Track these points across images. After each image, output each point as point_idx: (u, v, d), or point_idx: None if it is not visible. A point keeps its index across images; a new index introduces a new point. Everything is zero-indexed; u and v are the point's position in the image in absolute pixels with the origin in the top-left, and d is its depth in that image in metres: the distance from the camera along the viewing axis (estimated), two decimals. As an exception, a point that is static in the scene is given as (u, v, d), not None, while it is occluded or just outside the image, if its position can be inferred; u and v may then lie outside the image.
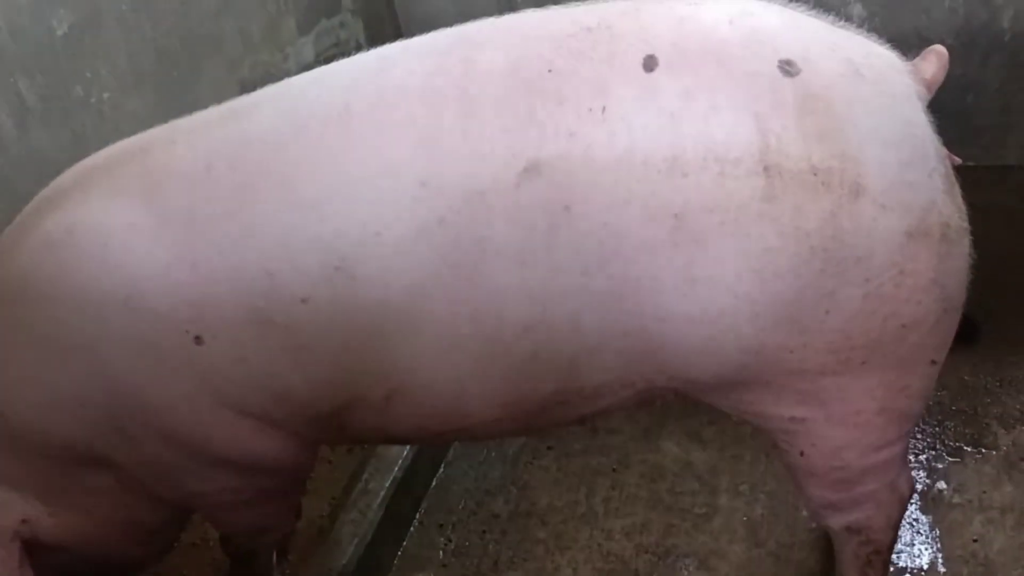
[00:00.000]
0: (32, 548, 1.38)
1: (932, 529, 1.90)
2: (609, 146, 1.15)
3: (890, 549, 1.51)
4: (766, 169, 1.13)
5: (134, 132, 1.60)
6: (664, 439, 2.19)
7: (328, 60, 2.20)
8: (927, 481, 2.01)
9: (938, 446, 2.09)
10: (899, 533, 1.83)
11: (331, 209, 1.19)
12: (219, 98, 1.82)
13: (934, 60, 1.25)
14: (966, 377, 2.24)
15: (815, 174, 1.14)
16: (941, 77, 1.26)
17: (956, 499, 1.97)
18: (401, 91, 1.21)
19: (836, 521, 1.45)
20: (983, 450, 2.08)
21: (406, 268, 1.19)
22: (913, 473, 2.01)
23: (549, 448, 2.21)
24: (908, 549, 1.86)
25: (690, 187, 1.14)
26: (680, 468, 2.12)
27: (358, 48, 2.34)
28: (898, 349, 1.25)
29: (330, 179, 1.20)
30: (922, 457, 2.06)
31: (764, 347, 1.23)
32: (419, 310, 1.21)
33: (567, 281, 1.19)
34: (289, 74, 2.06)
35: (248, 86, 1.92)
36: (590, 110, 1.15)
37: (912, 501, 1.94)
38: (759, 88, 1.14)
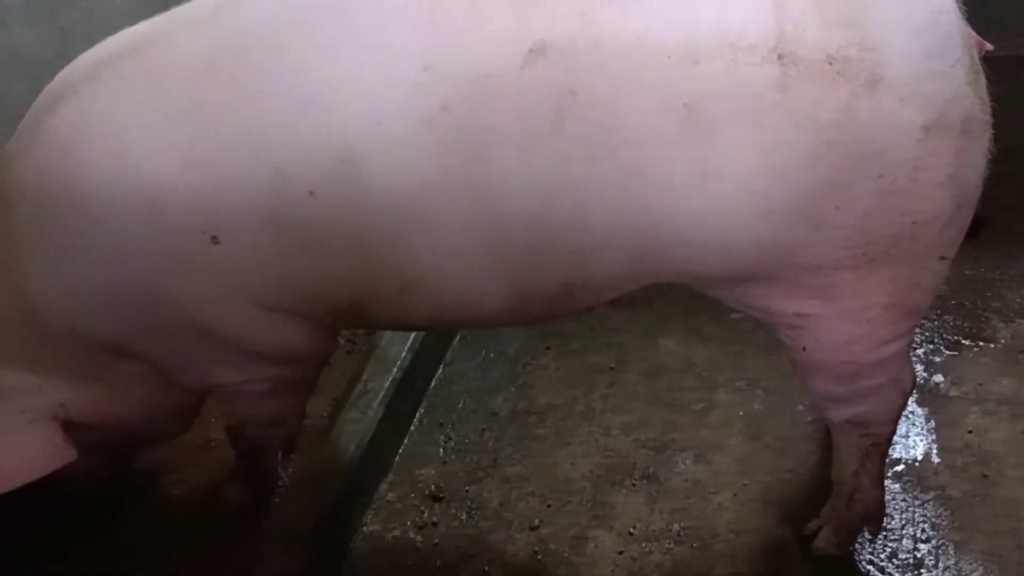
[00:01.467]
0: (67, 428, 1.44)
1: (928, 421, 1.92)
2: (621, 29, 1.12)
3: (889, 441, 1.53)
4: (780, 57, 1.10)
5: (119, 27, 1.55)
6: (664, 336, 2.20)
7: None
8: (924, 374, 2.02)
9: (936, 339, 2.09)
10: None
11: (333, 100, 1.18)
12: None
13: None
14: (967, 271, 2.23)
15: (831, 63, 1.10)
16: None
17: (953, 391, 1.98)
18: None
19: (838, 413, 1.46)
20: (982, 343, 2.09)
21: (410, 159, 1.17)
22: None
23: (548, 348, 2.22)
24: (904, 440, 1.88)
25: (702, 75, 1.11)
26: (680, 365, 2.13)
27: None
28: (912, 245, 1.23)
29: (330, 69, 1.18)
30: (920, 351, 2.07)
31: (777, 243, 1.21)
32: (426, 202, 1.20)
33: (573, 170, 1.17)
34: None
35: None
36: None
37: (909, 394, 1.96)
38: None
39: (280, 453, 1.80)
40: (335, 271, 1.29)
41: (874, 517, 1.59)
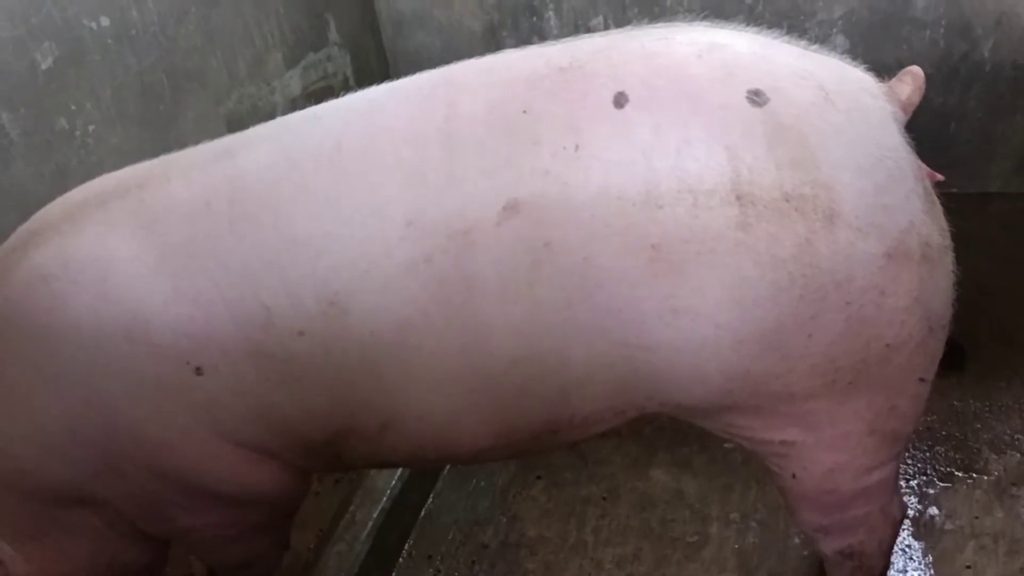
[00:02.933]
0: None
1: (925, 555, 1.89)
2: (584, 182, 1.16)
3: (884, 574, 1.50)
4: (739, 198, 1.14)
5: (118, 166, 1.61)
6: (654, 468, 2.18)
7: (315, 94, 2.22)
8: (919, 507, 2.00)
9: (929, 471, 2.08)
10: (892, 559, 1.82)
11: (324, 246, 1.21)
12: (205, 132, 1.84)
13: (910, 81, 1.27)
14: (955, 402, 2.24)
15: (788, 201, 1.14)
16: (917, 98, 1.27)
17: (948, 525, 1.96)
18: (388, 133, 1.23)
19: (829, 546, 1.44)
20: (974, 475, 2.07)
21: (395, 304, 1.20)
22: (905, 499, 2.00)
23: (538, 478, 2.20)
24: (902, 575, 1.84)
25: (666, 218, 1.15)
26: (671, 497, 2.10)
27: (345, 82, 2.36)
28: (884, 370, 1.25)
29: (322, 217, 1.22)
30: (913, 483, 2.05)
31: (749, 373, 1.23)
32: (410, 345, 1.22)
33: (552, 315, 1.20)
34: (276, 107, 2.08)
35: (234, 120, 1.94)
36: (564, 148, 1.16)
37: (904, 527, 1.93)
38: (729, 120, 1.15)
39: None
40: (316, 407, 1.29)
41: None
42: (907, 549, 1.90)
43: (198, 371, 1.25)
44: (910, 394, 1.30)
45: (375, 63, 2.50)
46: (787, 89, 1.17)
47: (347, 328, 1.22)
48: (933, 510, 1.99)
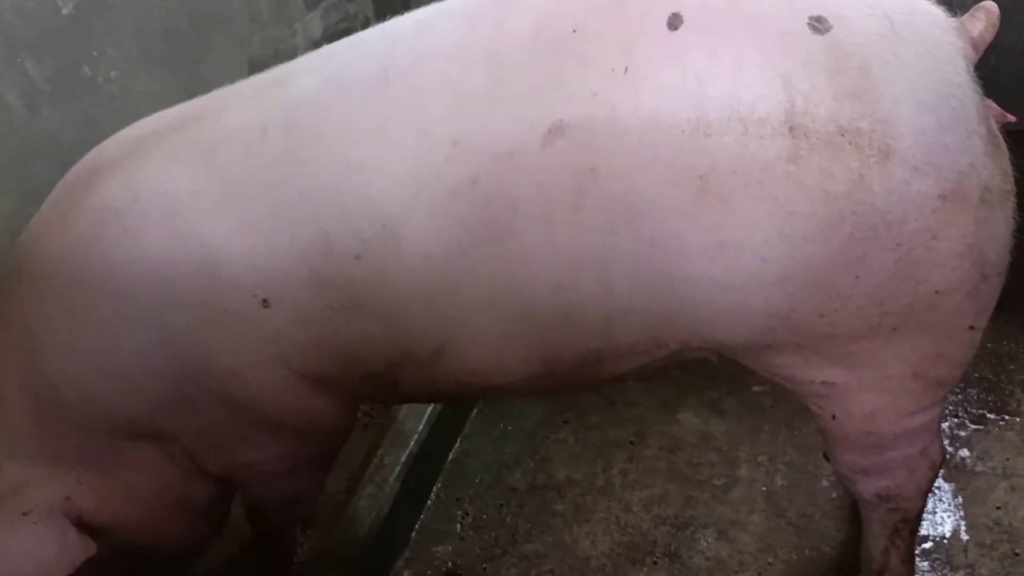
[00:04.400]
0: (79, 525, 1.33)
1: (955, 497, 1.88)
2: (633, 107, 1.14)
3: (918, 517, 1.49)
4: (792, 130, 1.12)
5: (145, 111, 1.60)
6: (682, 411, 2.18)
7: (336, 35, 2.19)
8: (951, 449, 1.98)
9: (961, 414, 2.06)
10: (922, 501, 1.82)
11: (375, 170, 1.21)
12: (228, 75, 1.82)
13: (983, 17, 1.21)
14: (988, 344, 2.21)
15: (843, 135, 1.11)
16: (990, 36, 1.21)
17: (979, 467, 1.94)
18: (435, 53, 1.22)
19: (866, 487, 1.44)
20: (1006, 417, 2.05)
21: (444, 227, 1.21)
22: (935, 441, 1.99)
23: (566, 421, 2.21)
24: (931, 517, 1.84)
25: (714, 148, 1.13)
26: (699, 440, 2.11)
27: (366, 23, 2.33)
28: (932, 315, 1.22)
29: (372, 141, 1.22)
30: (944, 425, 2.04)
31: (793, 312, 1.21)
32: (459, 268, 1.23)
33: (595, 242, 1.19)
34: (297, 50, 2.06)
35: (256, 63, 1.92)
36: (613, 70, 1.14)
37: (934, 469, 1.92)
38: (787, 46, 1.11)
39: (297, 529, 1.79)
40: (375, 334, 1.30)
41: None
42: (937, 491, 1.89)
43: (265, 303, 1.26)
44: (959, 341, 1.28)
45: (397, 3, 2.46)
46: (851, 17, 1.13)
47: (400, 252, 1.22)
48: (964, 452, 1.97)
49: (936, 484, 1.89)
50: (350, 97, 1.24)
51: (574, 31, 1.16)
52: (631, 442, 2.12)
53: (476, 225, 1.20)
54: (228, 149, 1.27)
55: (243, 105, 1.31)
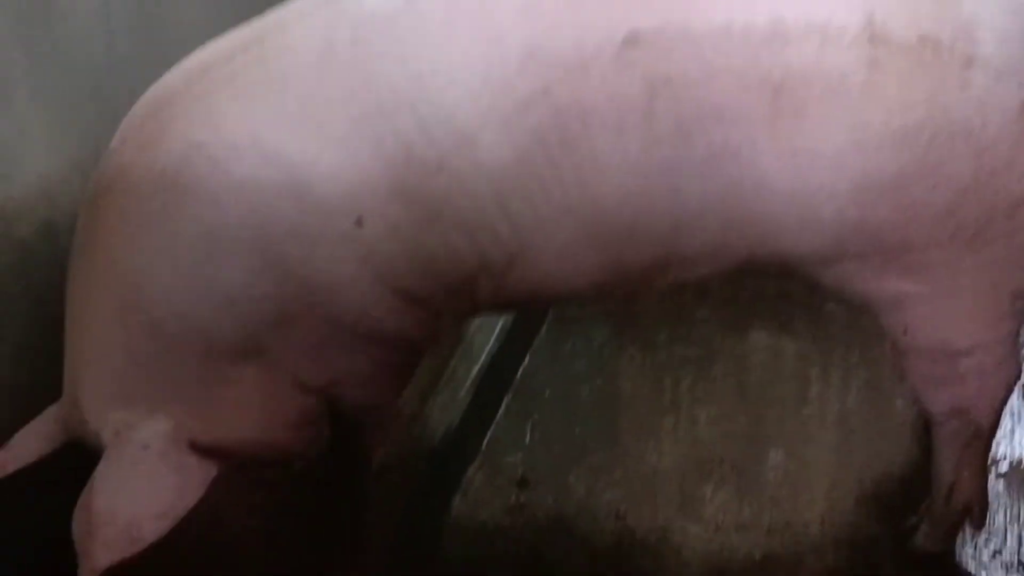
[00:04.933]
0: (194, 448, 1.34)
1: (1034, 417, 1.85)
2: (708, 16, 1.14)
3: (992, 432, 1.47)
4: (871, 39, 1.10)
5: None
6: (753, 329, 2.16)
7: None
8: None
9: (1044, 333, 2.00)
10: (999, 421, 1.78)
11: (447, 79, 1.22)
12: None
13: None
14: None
15: (923, 43, 1.09)
16: None
17: (1063, 390, 1.89)
18: None
19: (937, 401, 1.42)
20: (1093, 337, 1.99)
21: (518, 137, 1.21)
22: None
23: (634, 339, 2.21)
24: (1008, 438, 1.81)
25: (791, 56, 1.12)
26: (769, 358, 2.09)
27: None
28: (1008, 225, 1.20)
29: (443, 51, 1.22)
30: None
31: (865, 222, 1.20)
32: (532, 176, 1.24)
33: (667, 151, 1.20)
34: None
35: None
36: None
37: (1015, 392, 1.88)
38: None
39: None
40: (457, 245, 1.32)
41: (976, 512, 1.53)
42: (1015, 411, 1.86)
43: (359, 222, 1.27)
44: None
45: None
46: None
47: (477, 161, 1.23)
48: (1047, 373, 1.92)
49: (1015, 404, 1.86)
50: (417, 7, 1.24)
51: None
52: (700, 359, 2.12)
53: (548, 135, 1.21)
54: (299, 68, 1.27)
55: (304, 23, 1.29)
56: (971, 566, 1.59)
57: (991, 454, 1.71)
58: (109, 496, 1.25)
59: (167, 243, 1.29)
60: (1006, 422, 1.83)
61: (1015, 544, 1.60)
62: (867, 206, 1.19)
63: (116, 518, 1.23)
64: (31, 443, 1.41)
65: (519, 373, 2.17)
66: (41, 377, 1.61)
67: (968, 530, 1.60)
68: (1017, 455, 1.77)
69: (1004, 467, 1.75)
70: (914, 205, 1.18)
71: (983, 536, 1.62)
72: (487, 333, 2.09)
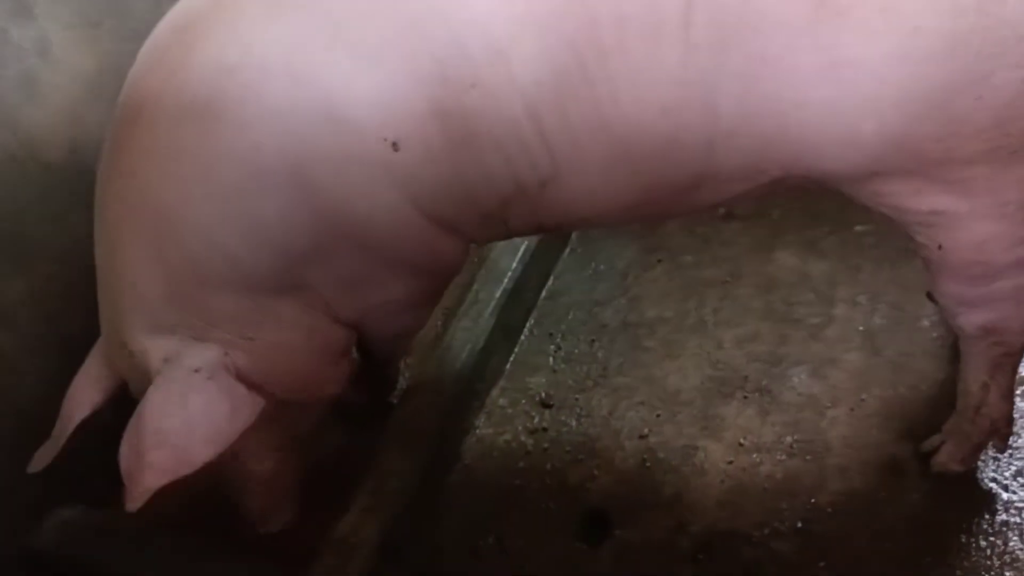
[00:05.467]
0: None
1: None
2: None
3: (1022, 352, 1.46)
4: None
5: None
6: (779, 250, 2.13)
7: None
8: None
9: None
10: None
11: None
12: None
13: None
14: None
15: None
16: None
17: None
18: None
19: (969, 320, 1.41)
20: None
21: (553, 49, 1.19)
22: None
23: (659, 260, 2.19)
24: (1036, 359, 1.78)
25: None
26: (796, 279, 2.07)
27: None
28: None
29: None
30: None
31: (908, 136, 1.17)
32: (566, 91, 1.22)
33: (705, 60, 1.16)
34: None
35: None
36: None
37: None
38: None
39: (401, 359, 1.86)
40: (492, 167, 1.29)
41: (1001, 433, 1.53)
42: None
43: (395, 146, 1.24)
44: None
45: None
46: None
47: (512, 76, 1.21)
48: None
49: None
50: None
51: None
52: (725, 281, 2.10)
53: (584, 46, 1.18)
54: None
55: None
56: (992, 486, 1.59)
57: (1018, 375, 1.71)
58: (159, 419, 1.26)
59: (200, 173, 1.26)
60: (1035, 344, 1.81)
61: (1039, 465, 1.60)
62: (911, 119, 1.15)
63: (167, 441, 1.24)
64: (88, 391, 1.44)
65: (542, 295, 2.17)
66: (69, 299, 1.64)
67: (990, 450, 1.60)
68: (1045, 376, 1.75)
69: (1032, 388, 1.74)
70: (959, 118, 1.15)
71: (1006, 455, 1.61)
72: (510, 255, 2.08)
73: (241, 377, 1.34)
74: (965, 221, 1.26)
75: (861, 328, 1.92)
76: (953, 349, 1.76)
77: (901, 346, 1.86)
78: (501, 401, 1.91)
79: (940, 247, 1.31)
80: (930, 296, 1.90)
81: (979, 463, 1.61)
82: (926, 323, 1.89)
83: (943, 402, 1.67)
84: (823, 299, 2.01)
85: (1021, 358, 1.47)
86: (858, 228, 2.11)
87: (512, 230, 1.47)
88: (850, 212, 2.12)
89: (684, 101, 1.20)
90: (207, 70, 1.24)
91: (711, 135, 1.23)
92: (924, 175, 1.22)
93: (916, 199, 1.26)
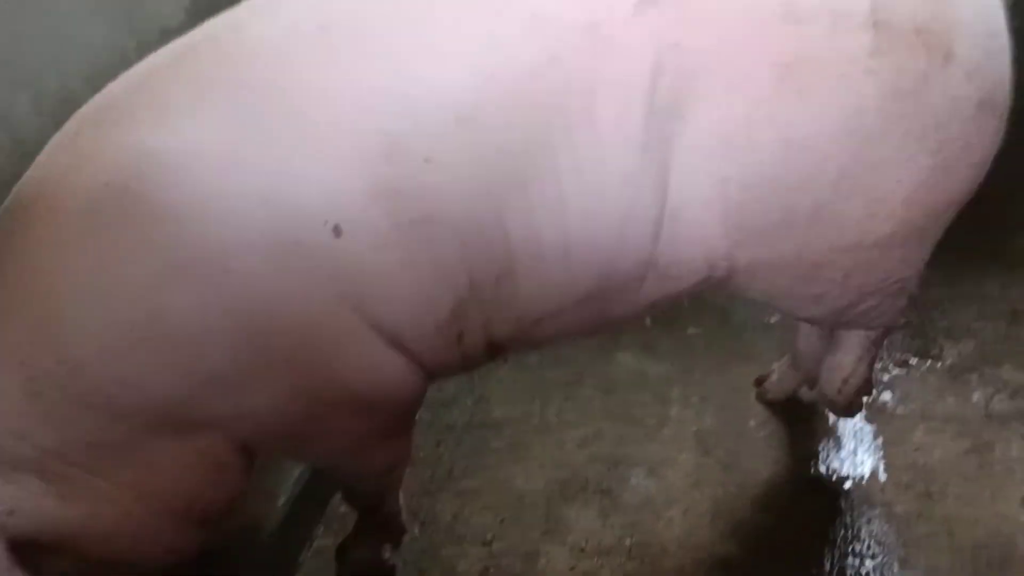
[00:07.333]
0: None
1: (876, 438, 1.96)
2: None
3: (893, 327, 1.59)
4: (876, 24, 1.12)
5: (75, 32, 1.52)
6: (619, 351, 2.22)
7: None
8: (873, 391, 2.05)
9: (885, 357, 2.13)
10: (843, 442, 1.90)
11: (445, 52, 1.12)
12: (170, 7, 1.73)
13: None
14: (915, 290, 2.27)
15: (918, 35, 1.13)
16: None
17: (900, 409, 2.02)
18: None
19: (848, 324, 1.51)
20: (929, 361, 2.13)
21: (521, 113, 1.13)
22: (859, 384, 2.05)
23: (505, 360, 2.22)
24: (851, 457, 1.91)
25: (803, 36, 1.12)
26: (634, 380, 2.15)
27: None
28: (933, 225, 1.29)
29: (435, 23, 1.13)
30: (869, 368, 2.11)
31: (841, 215, 1.22)
32: (529, 162, 1.15)
33: (663, 127, 1.15)
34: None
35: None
36: None
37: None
38: None
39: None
40: (446, 257, 1.18)
41: (864, 392, 1.67)
42: (858, 432, 1.97)
43: (336, 231, 1.11)
44: (930, 246, 1.37)
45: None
46: None
47: (473, 146, 1.13)
48: (887, 395, 2.05)
49: (858, 426, 1.97)
50: None
51: None
52: (568, 382, 2.16)
53: (552, 109, 1.13)
54: (261, 63, 1.12)
55: (264, 17, 1.16)
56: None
57: (836, 472, 1.83)
58: None
59: (106, 266, 1.08)
60: (850, 443, 1.94)
61: (855, 561, 1.69)
62: (844, 198, 1.20)
63: None
64: None
65: (389, 395, 2.15)
66: None
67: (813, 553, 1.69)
68: (859, 474, 1.88)
69: (848, 485, 1.85)
70: (879, 199, 1.21)
71: (826, 554, 1.71)
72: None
73: (45, 534, 1.09)
74: (836, 295, 1.36)
75: (694, 428, 2.01)
76: (779, 448, 1.88)
77: (730, 446, 1.96)
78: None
79: (810, 317, 1.42)
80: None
81: (800, 561, 1.69)
82: (752, 423, 2.00)
83: (770, 499, 1.76)
84: (659, 399, 2.09)
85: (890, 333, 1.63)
86: (691, 331, 2.23)
87: (465, 350, 1.31)
88: (684, 316, 2.25)
89: (646, 169, 1.17)
90: (125, 154, 1.09)
91: (658, 215, 1.21)
92: (825, 263, 1.30)
93: (805, 288, 1.34)
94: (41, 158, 1.16)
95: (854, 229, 1.24)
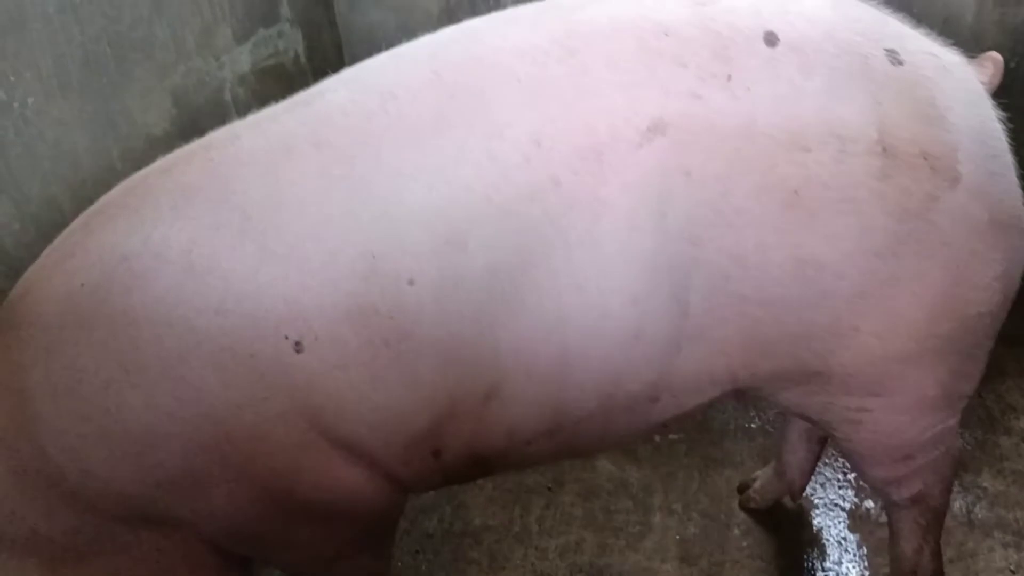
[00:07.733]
0: None
1: (860, 547, 1.94)
2: (733, 112, 1.12)
3: (944, 512, 1.54)
4: (884, 150, 1.15)
5: (60, 139, 1.55)
6: (599, 457, 2.19)
7: (266, 70, 2.17)
8: (855, 500, 2.04)
9: (866, 465, 2.12)
10: (826, 551, 1.88)
11: (435, 176, 1.11)
12: (150, 105, 1.78)
13: (990, 65, 1.28)
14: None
15: (924, 158, 1.16)
16: (997, 82, 1.28)
17: (884, 518, 2.00)
18: (498, 50, 1.15)
19: (898, 494, 1.47)
20: (908, 469, 2.13)
21: (517, 233, 1.11)
22: (841, 492, 2.06)
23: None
24: (836, 567, 1.89)
25: (810, 162, 1.14)
26: (615, 486, 2.12)
27: (296, 59, 2.31)
28: (969, 337, 1.28)
29: (430, 145, 1.12)
30: (851, 476, 2.10)
31: (858, 332, 1.22)
32: (525, 279, 1.13)
33: (677, 250, 1.14)
34: (224, 83, 2.02)
35: (180, 94, 1.88)
36: (714, 75, 1.12)
37: (840, 519, 1.98)
38: (873, 71, 1.16)
39: None
40: (422, 376, 1.15)
41: None
42: (843, 541, 1.95)
43: (297, 347, 1.10)
44: (982, 356, 1.34)
45: (328, 41, 2.45)
46: (914, 52, 1.19)
47: (462, 267, 1.11)
48: (869, 503, 2.04)
49: (842, 534, 1.95)
50: (397, 102, 1.14)
51: (665, 35, 1.13)
52: (549, 488, 2.12)
53: (551, 231, 1.11)
54: (248, 174, 1.14)
55: (258, 130, 1.19)
56: None
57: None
58: None
59: (72, 366, 1.11)
60: (835, 552, 1.92)
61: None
62: (861, 315, 1.21)
63: None
64: None
65: (365, 502, 2.10)
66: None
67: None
68: (844, 584, 1.85)
69: (833, 596, 1.83)
70: (900, 315, 1.22)
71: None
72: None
73: None
74: (884, 415, 1.32)
75: (677, 537, 1.98)
76: (762, 559, 1.84)
77: (714, 555, 1.92)
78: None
79: (861, 440, 1.36)
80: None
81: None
82: (736, 532, 1.97)
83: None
84: (641, 507, 2.06)
85: (945, 515, 1.56)
86: (672, 436, 2.21)
87: (446, 467, 1.27)
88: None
89: (654, 292, 1.15)
90: (102, 256, 1.13)
91: (675, 335, 1.19)
92: (856, 375, 1.27)
93: (843, 398, 1.30)
94: (41, 257, 1.22)
95: (877, 345, 1.24)
